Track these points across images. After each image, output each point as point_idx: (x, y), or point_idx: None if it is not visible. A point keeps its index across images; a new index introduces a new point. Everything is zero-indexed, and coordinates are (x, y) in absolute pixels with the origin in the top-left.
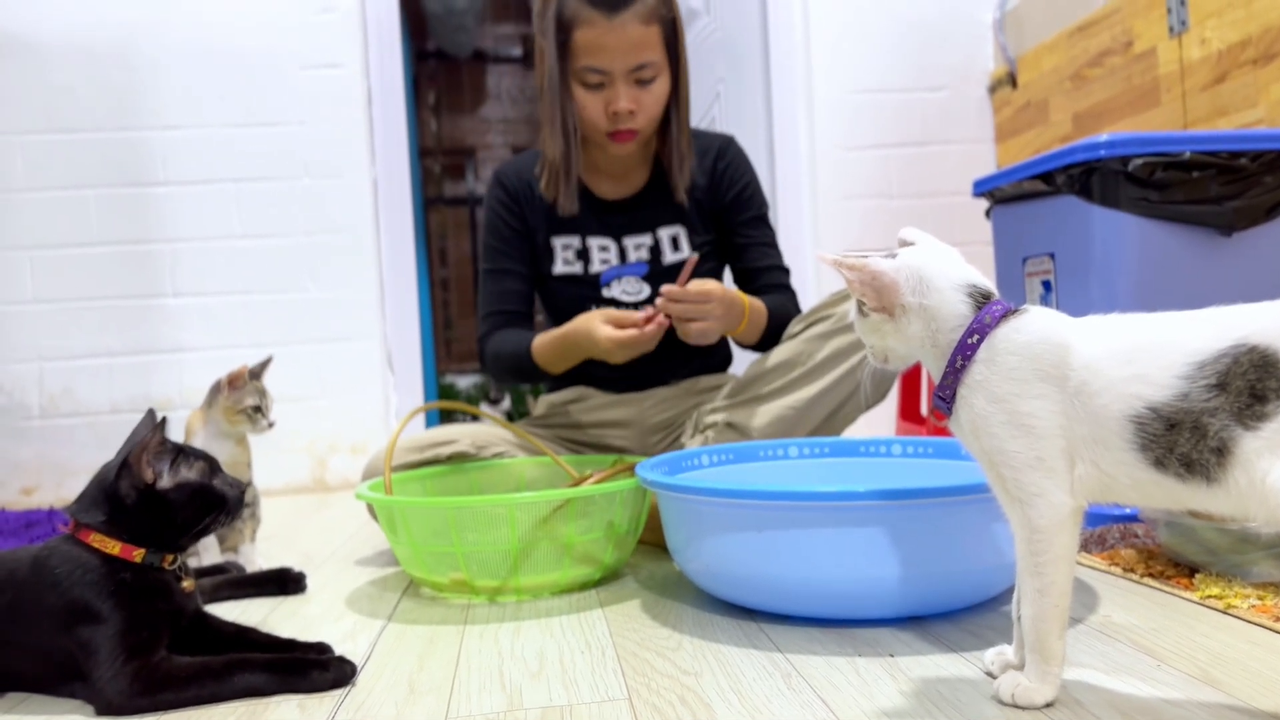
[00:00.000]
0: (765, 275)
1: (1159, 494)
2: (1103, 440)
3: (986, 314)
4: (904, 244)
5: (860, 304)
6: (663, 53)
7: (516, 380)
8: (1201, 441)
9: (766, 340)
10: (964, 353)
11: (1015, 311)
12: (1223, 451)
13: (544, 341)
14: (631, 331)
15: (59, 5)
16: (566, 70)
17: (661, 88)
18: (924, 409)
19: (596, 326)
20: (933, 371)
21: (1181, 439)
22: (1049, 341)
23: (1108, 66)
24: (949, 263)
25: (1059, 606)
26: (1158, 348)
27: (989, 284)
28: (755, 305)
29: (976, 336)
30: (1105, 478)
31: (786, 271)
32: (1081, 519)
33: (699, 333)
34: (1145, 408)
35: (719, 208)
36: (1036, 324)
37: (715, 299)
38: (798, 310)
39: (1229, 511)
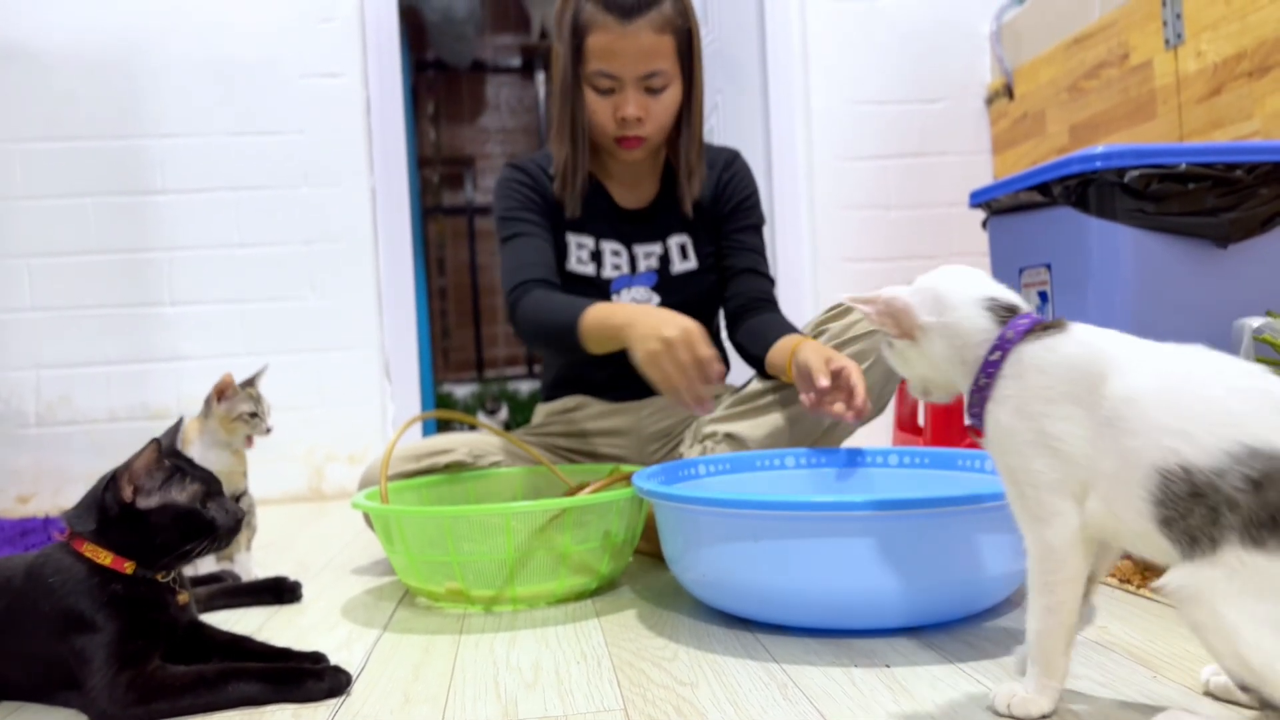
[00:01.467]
0: (746, 278)
1: (1156, 553)
2: (1123, 480)
3: (1010, 329)
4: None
5: (888, 338)
6: (675, 63)
7: (545, 345)
8: (1214, 525)
9: None
10: (987, 370)
11: (1051, 326)
12: (1217, 542)
13: (600, 309)
14: (691, 381)
15: (60, 13)
16: (579, 74)
17: (672, 97)
18: (920, 420)
19: (672, 327)
20: (964, 391)
21: (1197, 512)
22: (1080, 367)
23: (1104, 78)
24: (967, 280)
25: (1066, 625)
26: (1216, 412)
27: (1014, 298)
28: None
29: (999, 353)
30: (1113, 518)
31: (772, 282)
32: (1093, 547)
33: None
34: (1179, 465)
35: (720, 217)
36: (1071, 346)
37: (855, 370)
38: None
39: None
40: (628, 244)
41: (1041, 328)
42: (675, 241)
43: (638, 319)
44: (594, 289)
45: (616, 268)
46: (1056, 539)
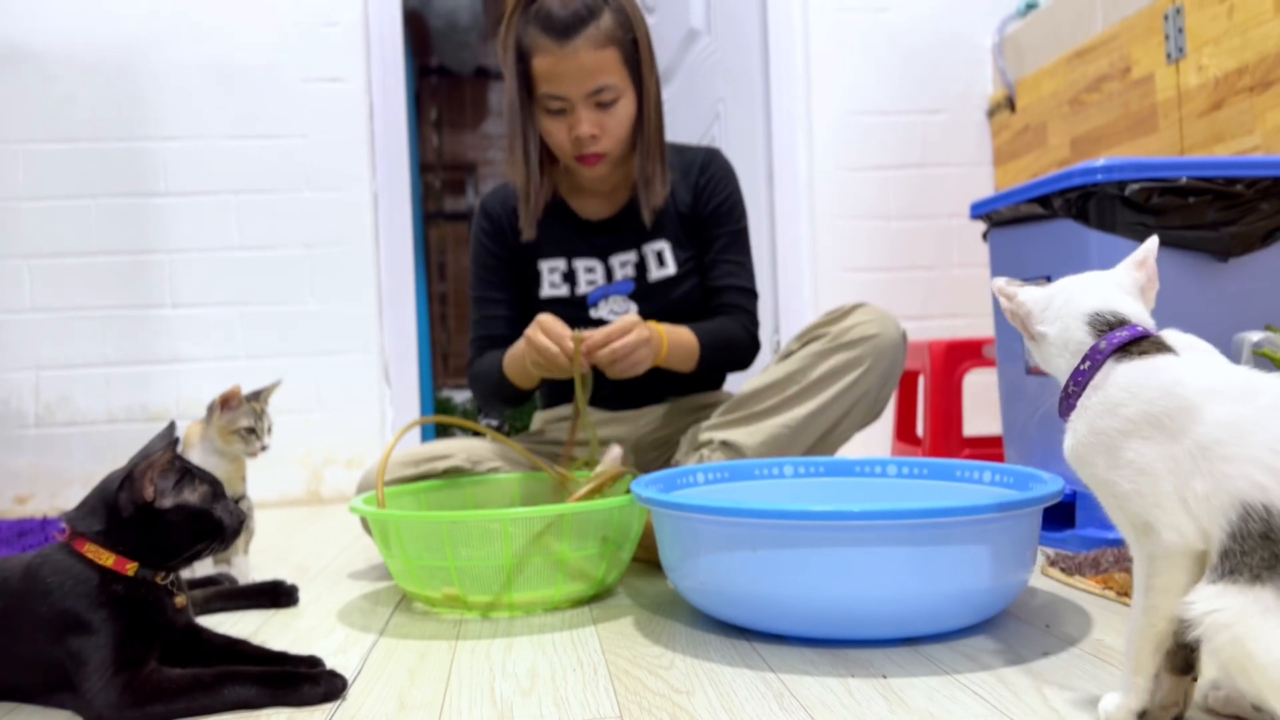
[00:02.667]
0: (723, 295)
1: (1202, 574)
2: (1211, 506)
3: (1104, 340)
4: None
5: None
6: (624, 74)
7: (499, 402)
8: (1270, 569)
9: (710, 365)
10: (1076, 379)
11: (1149, 347)
12: (1259, 580)
13: (510, 354)
14: (550, 346)
15: (64, 16)
16: (530, 98)
17: (626, 109)
18: (919, 430)
19: (530, 329)
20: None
21: (1259, 554)
22: (1172, 395)
23: (1106, 92)
24: (1087, 291)
25: (1157, 629)
26: None
27: (1126, 312)
28: (674, 334)
29: (1088, 363)
30: (1205, 541)
31: (748, 293)
32: (1197, 559)
33: (629, 366)
34: (1262, 503)
35: (700, 221)
36: (1164, 368)
37: (635, 327)
38: (745, 333)
39: None
40: (602, 256)
41: (1140, 344)
42: (652, 249)
43: (524, 338)
44: (572, 307)
45: (591, 283)
46: (1155, 548)
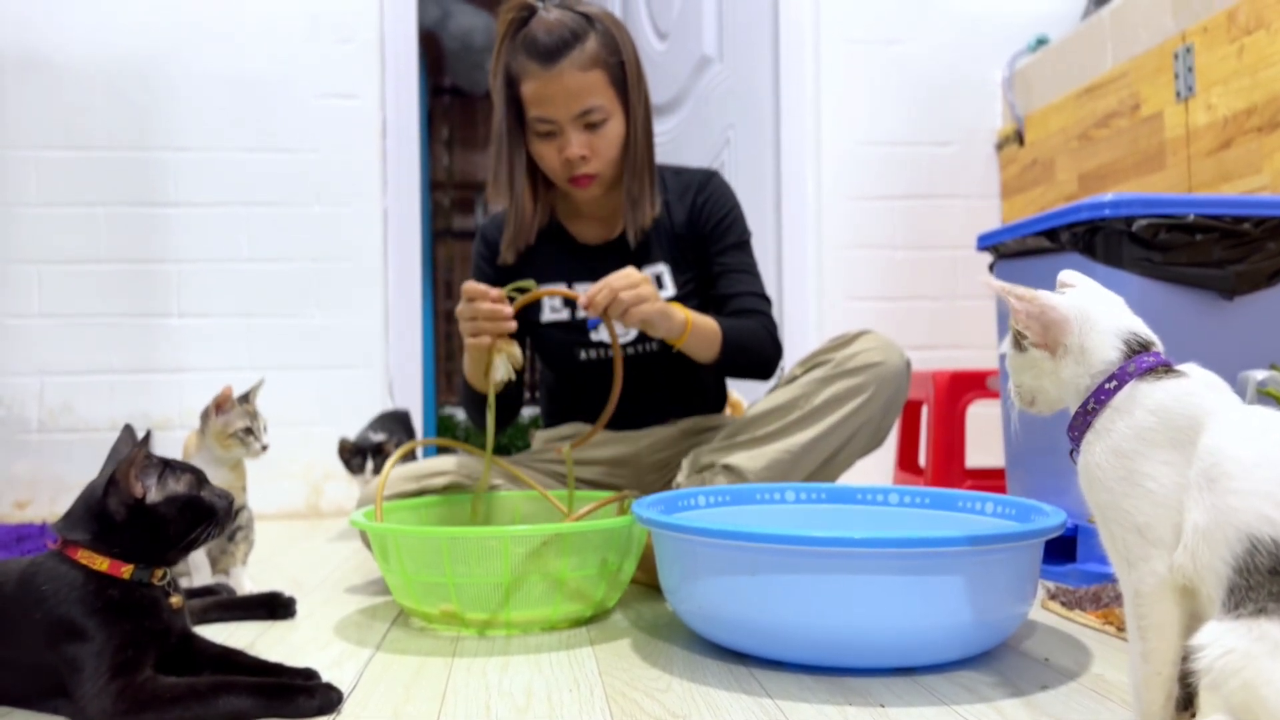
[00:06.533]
0: (735, 301)
1: (1212, 613)
2: (1212, 538)
3: (1133, 363)
4: (1064, 286)
5: (1019, 338)
6: (611, 95)
7: (474, 411)
8: (1277, 600)
9: (732, 357)
10: (1098, 397)
11: (1171, 370)
12: (1265, 613)
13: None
14: (476, 305)
15: (80, 26)
16: (520, 124)
17: (615, 129)
18: (922, 459)
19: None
20: (1071, 411)
21: (1266, 589)
22: (1187, 414)
23: (1114, 128)
24: (1113, 309)
25: (1161, 674)
26: None
27: (1151, 336)
28: (698, 320)
29: (1115, 382)
30: (1196, 575)
31: (763, 298)
32: (1183, 593)
33: (634, 300)
34: (1271, 537)
35: (699, 240)
36: (1181, 389)
37: (635, 274)
38: (766, 333)
39: None
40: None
41: (1165, 369)
42: (651, 271)
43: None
44: (572, 331)
45: None
46: (1143, 584)
